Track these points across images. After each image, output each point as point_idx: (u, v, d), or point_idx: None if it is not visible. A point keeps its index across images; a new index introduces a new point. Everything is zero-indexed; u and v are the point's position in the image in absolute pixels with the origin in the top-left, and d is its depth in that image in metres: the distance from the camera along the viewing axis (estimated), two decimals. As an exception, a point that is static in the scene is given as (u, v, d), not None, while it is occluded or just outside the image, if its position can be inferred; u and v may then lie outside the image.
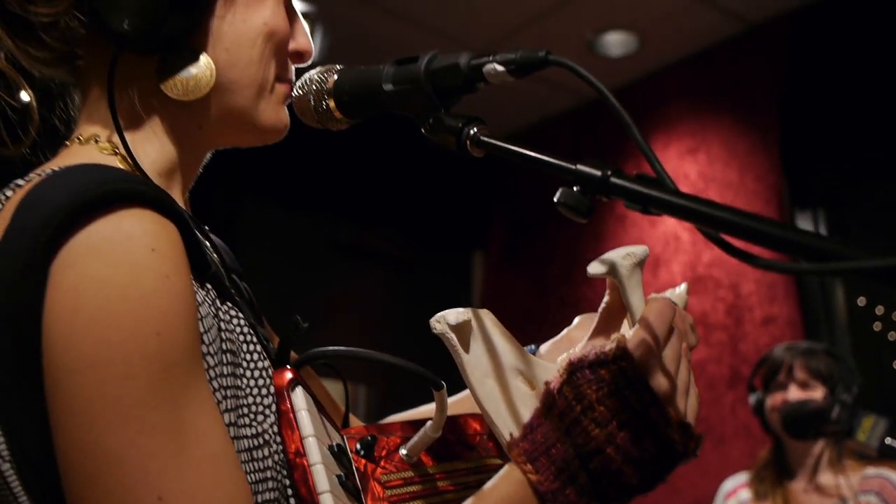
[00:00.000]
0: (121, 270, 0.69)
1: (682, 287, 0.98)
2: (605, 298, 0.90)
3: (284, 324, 0.93)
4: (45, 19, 0.86)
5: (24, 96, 0.91)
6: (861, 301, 3.69)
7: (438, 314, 0.86)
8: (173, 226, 0.75)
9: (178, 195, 0.94)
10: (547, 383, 0.82)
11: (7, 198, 0.78)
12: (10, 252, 0.71)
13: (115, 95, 0.86)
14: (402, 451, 0.91)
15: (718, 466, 3.49)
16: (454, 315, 0.86)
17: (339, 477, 0.82)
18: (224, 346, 0.79)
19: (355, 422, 1.10)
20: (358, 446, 0.88)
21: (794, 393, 2.57)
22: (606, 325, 0.89)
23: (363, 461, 0.87)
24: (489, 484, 0.81)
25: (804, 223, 3.80)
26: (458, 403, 1.12)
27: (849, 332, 3.62)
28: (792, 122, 3.76)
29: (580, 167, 0.78)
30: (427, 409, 1.14)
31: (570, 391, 0.78)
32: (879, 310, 3.67)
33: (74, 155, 0.86)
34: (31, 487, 0.72)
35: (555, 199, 0.79)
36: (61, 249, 0.69)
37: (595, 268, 0.87)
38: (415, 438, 0.90)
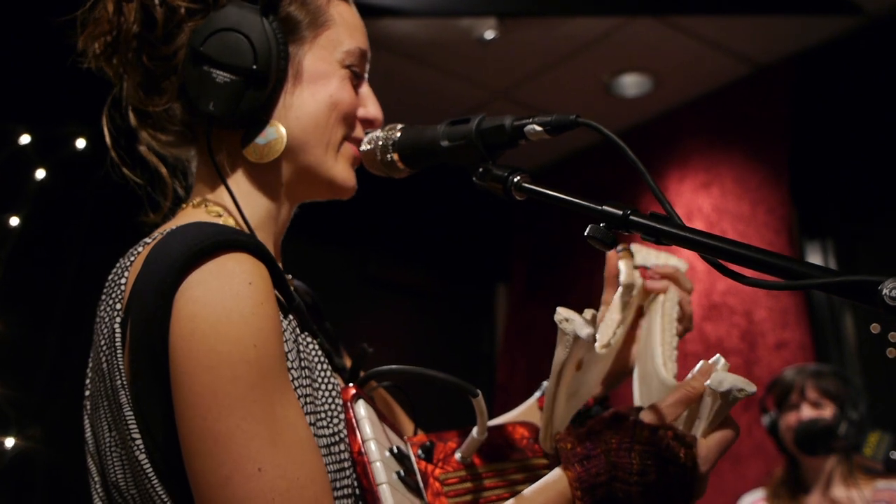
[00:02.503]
0: (226, 298, 0.86)
1: (721, 361, 1.04)
2: (690, 378, 1.00)
3: (355, 349, 1.10)
4: (159, 108, 1.07)
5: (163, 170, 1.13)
6: (875, 328, 3.70)
7: (566, 312, 0.99)
8: (264, 267, 0.91)
9: (270, 244, 1.09)
10: (613, 417, 0.96)
11: (139, 252, 0.97)
12: (145, 292, 0.88)
13: (219, 164, 1.04)
14: (458, 455, 1.04)
15: (735, 485, 3.52)
16: (584, 330, 0.98)
17: (398, 473, 0.95)
18: (303, 364, 0.94)
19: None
20: (419, 451, 1.01)
21: (806, 412, 2.64)
22: (680, 405, 0.98)
23: (423, 463, 1.00)
24: (537, 488, 0.94)
25: (814, 253, 3.80)
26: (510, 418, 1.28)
27: (859, 356, 3.61)
28: (801, 158, 3.78)
29: (605, 207, 0.94)
30: (514, 414, 1.29)
31: (637, 461, 0.91)
32: (892, 336, 3.66)
33: (187, 216, 1.04)
34: (161, 472, 0.89)
35: (585, 234, 0.93)
36: (181, 286, 0.86)
37: (716, 383, 0.94)
38: (466, 443, 1.04)
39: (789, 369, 2.82)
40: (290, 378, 0.90)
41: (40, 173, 3.15)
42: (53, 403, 2.97)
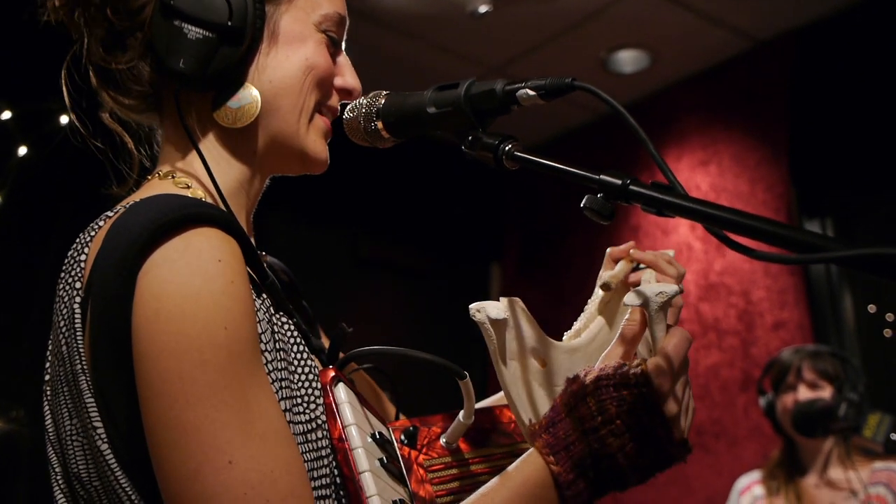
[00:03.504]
0: (194, 277, 0.81)
1: (647, 272, 1.11)
2: (627, 317, 0.98)
3: (334, 329, 1.06)
4: (123, 66, 1.01)
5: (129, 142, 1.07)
6: (871, 308, 3.72)
7: (478, 304, 0.96)
8: (235, 242, 0.87)
9: (241, 216, 1.05)
10: (569, 382, 0.92)
11: (100, 227, 0.92)
12: (106, 270, 0.84)
13: (186, 127, 0.99)
14: (443, 440, 1.01)
15: (732, 466, 3.54)
16: (494, 311, 0.96)
17: (380, 460, 0.91)
18: (277, 346, 0.89)
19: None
20: (402, 436, 0.98)
21: (803, 393, 2.63)
22: (627, 344, 0.97)
23: (407, 449, 0.97)
24: (513, 466, 0.92)
25: (813, 232, 3.83)
26: (495, 401, 1.24)
27: (857, 336, 3.63)
28: (800, 135, 3.79)
29: (603, 177, 0.89)
30: (500, 396, 1.25)
31: (594, 402, 0.89)
32: (889, 317, 3.70)
33: (154, 188, 0.99)
34: (124, 462, 0.84)
35: (581, 205, 0.89)
36: (145, 263, 0.82)
37: (631, 299, 0.94)
38: (451, 427, 1.01)
39: (787, 350, 2.81)
40: (264, 362, 0.86)
41: (22, 150, 3.10)
42: (35, 385, 2.93)
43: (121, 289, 0.82)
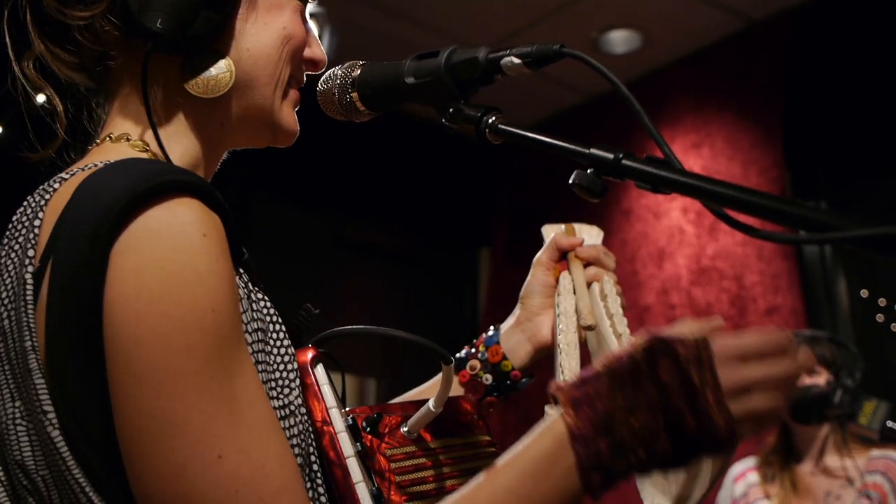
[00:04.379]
0: (178, 253, 0.75)
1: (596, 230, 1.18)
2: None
3: (297, 309, 0.99)
4: (81, 22, 0.91)
5: (41, 98, 0.96)
6: (864, 293, 3.71)
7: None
8: (217, 216, 0.80)
9: None
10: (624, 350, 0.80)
11: (55, 189, 0.83)
12: (74, 238, 0.76)
13: (146, 95, 0.91)
14: (404, 429, 0.96)
15: None
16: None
17: (358, 447, 0.88)
18: (256, 325, 0.84)
19: None
20: (364, 423, 0.93)
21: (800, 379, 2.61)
22: None
23: (369, 437, 0.93)
24: (530, 436, 0.80)
25: (807, 216, 3.84)
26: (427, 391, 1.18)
27: (851, 322, 3.63)
28: (795, 117, 3.77)
29: (594, 150, 0.84)
30: (419, 390, 1.21)
31: (643, 355, 0.77)
32: (882, 301, 3.68)
33: (109, 152, 0.90)
34: (79, 452, 0.77)
35: (570, 181, 0.83)
36: (122, 234, 0.75)
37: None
38: (417, 414, 0.95)
39: (782, 335, 2.76)
40: (247, 343, 0.81)
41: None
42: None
43: (93, 258, 0.75)
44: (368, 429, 0.93)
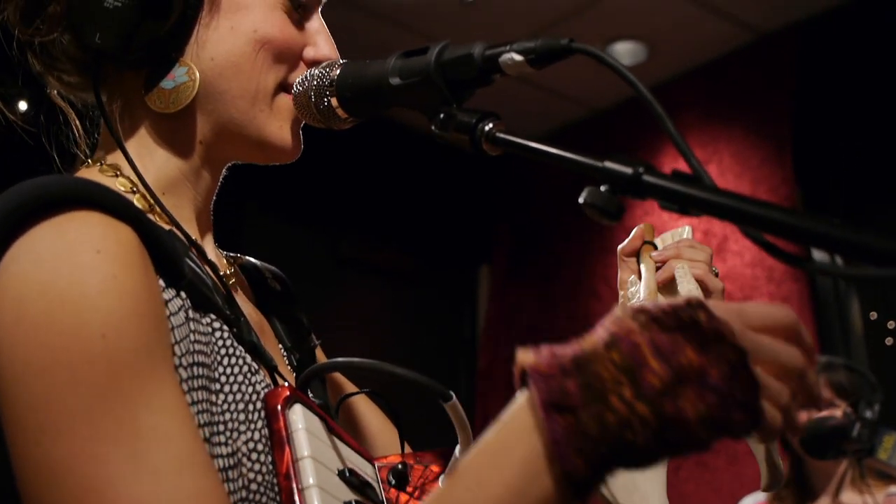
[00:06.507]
0: (62, 275, 0.69)
1: (687, 229, 1.11)
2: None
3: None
4: (43, 39, 0.90)
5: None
6: (873, 315, 3.70)
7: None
8: (127, 228, 0.74)
9: (187, 210, 0.93)
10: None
11: None
12: None
13: (114, 113, 0.90)
14: (441, 481, 0.90)
15: (732, 485, 3.49)
16: None
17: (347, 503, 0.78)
18: (195, 359, 0.76)
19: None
20: (389, 476, 0.87)
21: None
22: None
23: (395, 491, 0.86)
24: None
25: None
26: None
27: (866, 346, 3.62)
28: (805, 133, 3.78)
29: (609, 164, 0.71)
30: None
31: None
32: (891, 324, 3.66)
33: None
34: None
35: (580, 200, 0.71)
36: (6, 255, 0.71)
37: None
38: (451, 465, 0.88)
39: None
40: (180, 379, 0.73)
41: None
42: None
43: None
44: (393, 482, 0.87)
